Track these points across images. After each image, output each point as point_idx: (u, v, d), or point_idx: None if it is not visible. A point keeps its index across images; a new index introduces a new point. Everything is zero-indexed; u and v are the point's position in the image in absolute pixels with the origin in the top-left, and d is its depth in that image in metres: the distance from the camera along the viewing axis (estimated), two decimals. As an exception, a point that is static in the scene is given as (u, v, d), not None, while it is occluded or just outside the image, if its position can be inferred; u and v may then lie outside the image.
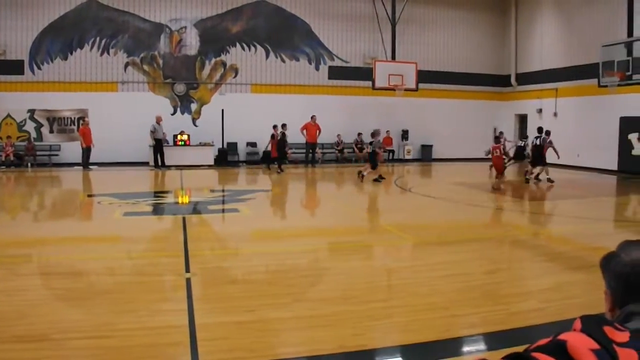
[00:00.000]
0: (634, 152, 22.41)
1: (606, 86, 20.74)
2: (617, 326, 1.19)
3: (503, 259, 9.16)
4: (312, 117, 24.95)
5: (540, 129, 19.89)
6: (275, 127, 23.34)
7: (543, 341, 1.14)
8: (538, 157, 19.34)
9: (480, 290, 6.80)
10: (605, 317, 1.16)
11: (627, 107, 22.46)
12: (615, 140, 23.07)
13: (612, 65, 20.28)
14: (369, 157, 19.63)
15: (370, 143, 19.79)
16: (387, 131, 28.20)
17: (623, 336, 1.14)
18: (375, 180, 19.23)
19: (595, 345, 1.12)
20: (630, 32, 20.23)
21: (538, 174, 19.81)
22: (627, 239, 1.90)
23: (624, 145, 22.75)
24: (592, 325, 1.17)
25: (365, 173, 19.27)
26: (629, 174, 22.00)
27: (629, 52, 19.79)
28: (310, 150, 25.39)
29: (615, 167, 23.16)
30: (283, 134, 23.17)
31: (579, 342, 1.11)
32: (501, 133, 20.35)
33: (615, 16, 22.41)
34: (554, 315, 5.78)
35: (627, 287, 1.78)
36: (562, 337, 1.12)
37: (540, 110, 27.98)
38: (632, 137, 22.41)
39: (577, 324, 1.19)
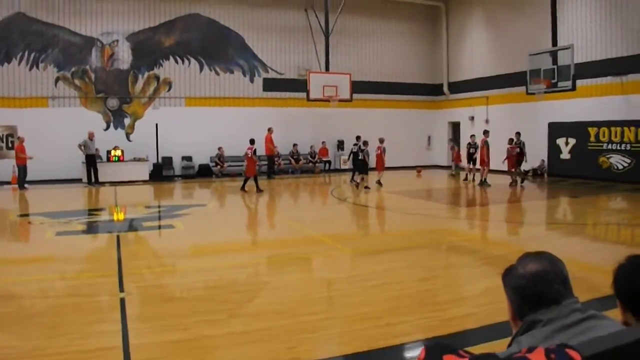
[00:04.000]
0: (562, 157, 23.27)
1: (534, 94, 21.40)
2: (460, 353, 1.25)
3: (437, 265, 9.35)
4: (269, 129, 25.06)
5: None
6: (252, 141, 20.86)
7: None
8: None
9: (414, 298, 6.95)
10: (450, 345, 1.22)
11: (554, 113, 23.39)
12: (545, 145, 23.93)
13: (539, 73, 20.92)
14: (362, 164, 21.16)
15: (362, 150, 20.99)
16: (323, 142, 28.53)
17: None
18: (366, 187, 20.56)
19: None
20: (554, 42, 20.90)
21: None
22: (527, 252, 2.06)
23: (553, 150, 23.67)
24: (433, 353, 1.22)
25: (358, 181, 21.05)
26: (558, 177, 22.82)
27: (554, 61, 20.42)
28: (269, 162, 25.56)
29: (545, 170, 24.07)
30: (359, 148, 22.60)
31: None
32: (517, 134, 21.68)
33: (542, 26, 23.16)
34: (486, 319, 5.95)
35: (524, 298, 1.94)
36: None
37: (472, 118, 28.72)
38: (560, 141, 23.28)
39: (422, 353, 1.24)
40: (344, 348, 5.42)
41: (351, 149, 23.57)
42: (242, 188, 20.33)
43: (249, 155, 20.51)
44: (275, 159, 26.69)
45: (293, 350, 5.27)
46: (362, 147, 21.02)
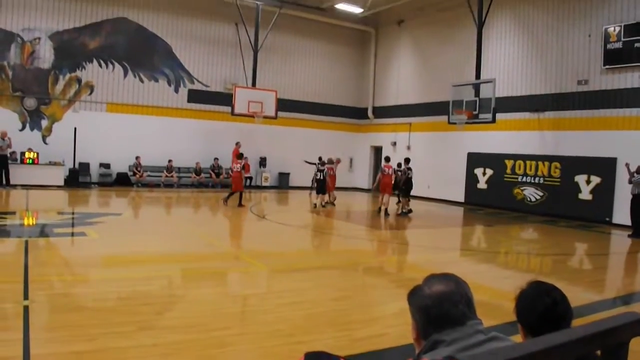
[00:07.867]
0: (479, 186, 23.97)
1: (455, 123, 21.95)
2: None
3: (351, 286, 9.38)
4: (237, 143, 25.00)
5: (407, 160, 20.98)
6: (241, 156, 21.20)
7: None
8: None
9: (325, 317, 6.96)
10: (327, 354, 1.19)
11: (474, 144, 24.11)
12: (463, 174, 24.60)
13: (461, 104, 21.48)
14: (319, 183, 20.96)
15: (321, 171, 20.96)
16: (245, 157, 28.33)
17: None
18: (324, 205, 20.87)
19: None
20: (478, 74, 21.50)
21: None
22: (432, 273, 2.08)
23: (471, 179, 24.37)
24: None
25: (321, 202, 20.88)
26: (474, 205, 23.47)
27: (477, 93, 21.01)
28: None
29: (462, 199, 24.67)
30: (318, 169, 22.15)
31: None
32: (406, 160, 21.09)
33: (467, 58, 23.90)
34: (395, 340, 6.01)
35: (428, 318, 1.95)
36: None
37: (394, 143, 29.21)
38: (478, 171, 24.00)
39: None
40: (254, 365, 5.35)
41: (316, 168, 23.27)
42: (227, 201, 20.01)
43: (238, 170, 20.21)
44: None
45: (202, 366, 5.17)
46: (321, 168, 21.09)
